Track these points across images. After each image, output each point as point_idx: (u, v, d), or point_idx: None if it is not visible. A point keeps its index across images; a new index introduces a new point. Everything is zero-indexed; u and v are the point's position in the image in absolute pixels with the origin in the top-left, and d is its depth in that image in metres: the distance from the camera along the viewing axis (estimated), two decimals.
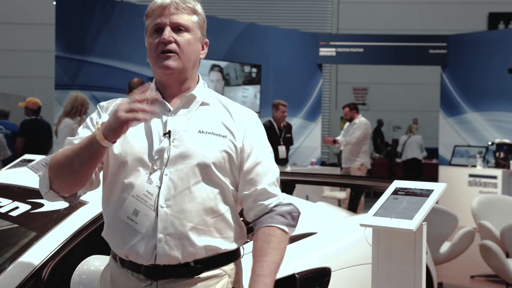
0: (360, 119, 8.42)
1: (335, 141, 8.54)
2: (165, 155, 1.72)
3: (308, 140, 11.44)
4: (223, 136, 1.77)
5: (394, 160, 14.30)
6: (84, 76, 8.51)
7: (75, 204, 2.17)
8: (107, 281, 1.81)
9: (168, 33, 1.74)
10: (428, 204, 2.17)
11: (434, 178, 10.54)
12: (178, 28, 1.76)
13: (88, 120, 1.84)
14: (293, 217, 1.82)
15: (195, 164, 1.72)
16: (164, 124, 1.77)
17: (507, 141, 9.48)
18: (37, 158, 4.07)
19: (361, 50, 11.64)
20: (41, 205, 2.36)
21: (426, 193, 2.22)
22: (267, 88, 10.68)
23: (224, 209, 1.77)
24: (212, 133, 1.76)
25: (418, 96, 16.28)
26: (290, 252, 1.96)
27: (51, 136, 7.57)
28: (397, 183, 2.34)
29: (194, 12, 1.80)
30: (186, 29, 1.77)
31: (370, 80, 16.60)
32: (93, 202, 2.28)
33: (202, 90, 1.85)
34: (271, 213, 1.80)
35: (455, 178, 9.45)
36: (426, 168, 12.64)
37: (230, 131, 1.79)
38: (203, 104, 1.82)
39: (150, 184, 1.71)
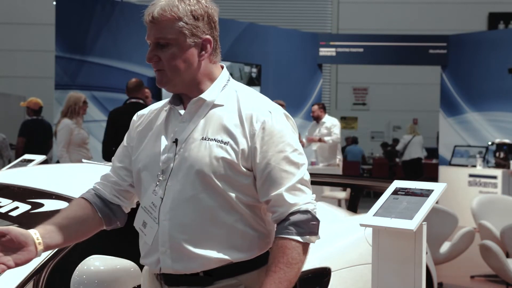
0: (330, 118, 8.73)
1: (320, 140, 8.64)
2: (171, 165, 1.68)
3: None
4: (225, 143, 1.64)
5: (394, 160, 14.31)
6: (84, 76, 8.51)
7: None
8: (147, 274, 1.85)
9: (148, 53, 1.69)
10: (428, 204, 2.17)
11: (434, 178, 10.53)
12: (159, 44, 1.67)
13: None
14: (311, 226, 1.65)
15: (194, 174, 1.64)
16: (175, 132, 1.71)
17: (507, 141, 9.47)
18: (37, 158, 4.10)
19: (361, 50, 11.64)
20: (41, 205, 2.36)
21: (426, 193, 2.22)
22: (267, 88, 10.67)
23: (232, 219, 1.66)
24: (214, 139, 1.65)
25: (418, 96, 16.29)
26: None
27: (52, 136, 7.57)
28: (397, 183, 2.34)
29: (176, 19, 1.64)
30: (168, 43, 1.66)
31: (370, 80, 16.60)
32: None
33: (216, 90, 1.72)
34: (285, 222, 1.64)
35: (455, 178, 9.44)
36: (426, 168, 12.64)
37: (233, 136, 1.65)
38: (215, 106, 1.70)
39: (155, 195, 1.68)
